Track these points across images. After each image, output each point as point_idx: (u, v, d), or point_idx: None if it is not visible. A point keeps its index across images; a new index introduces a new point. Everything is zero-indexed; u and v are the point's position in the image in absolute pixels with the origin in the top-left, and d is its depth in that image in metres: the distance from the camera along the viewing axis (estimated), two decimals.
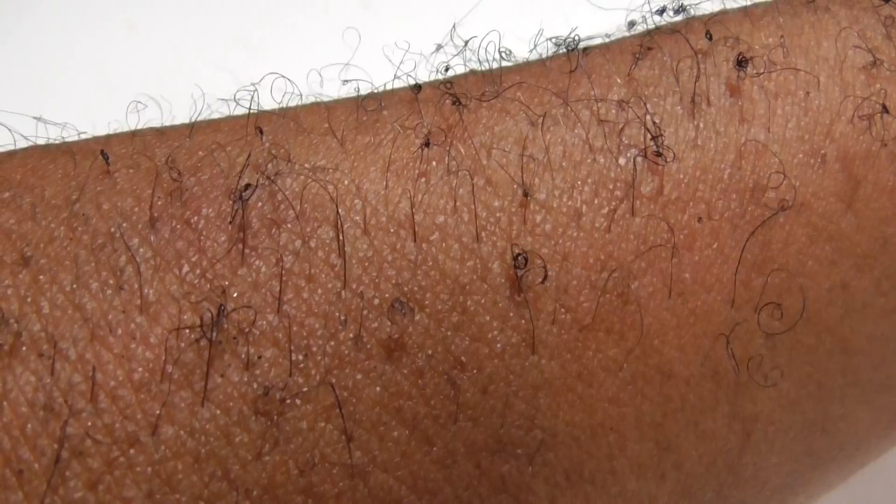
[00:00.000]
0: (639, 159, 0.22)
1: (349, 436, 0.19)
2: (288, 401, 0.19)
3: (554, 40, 0.26)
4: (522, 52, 0.26)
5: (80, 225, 0.20)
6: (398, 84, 0.25)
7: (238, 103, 0.24)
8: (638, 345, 0.21)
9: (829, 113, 0.23)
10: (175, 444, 0.18)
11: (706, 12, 0.27)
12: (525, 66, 0.24)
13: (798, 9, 0.25)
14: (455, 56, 0.25)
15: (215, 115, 0.24)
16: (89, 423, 0.18)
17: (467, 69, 0.25)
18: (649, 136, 0.22)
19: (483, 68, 0.24)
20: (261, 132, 0.21)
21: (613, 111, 0.22)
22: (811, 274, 0.23)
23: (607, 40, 0.27)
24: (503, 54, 0.24)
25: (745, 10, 0.26)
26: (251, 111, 0.23)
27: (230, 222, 0.20)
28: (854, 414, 0.25)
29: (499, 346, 0.20)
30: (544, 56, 0.25)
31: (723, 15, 0.25)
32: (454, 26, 0.26)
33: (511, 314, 0.21)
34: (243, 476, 0.18)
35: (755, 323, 0.22)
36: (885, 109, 0.23)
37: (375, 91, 0.24)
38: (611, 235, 0.21)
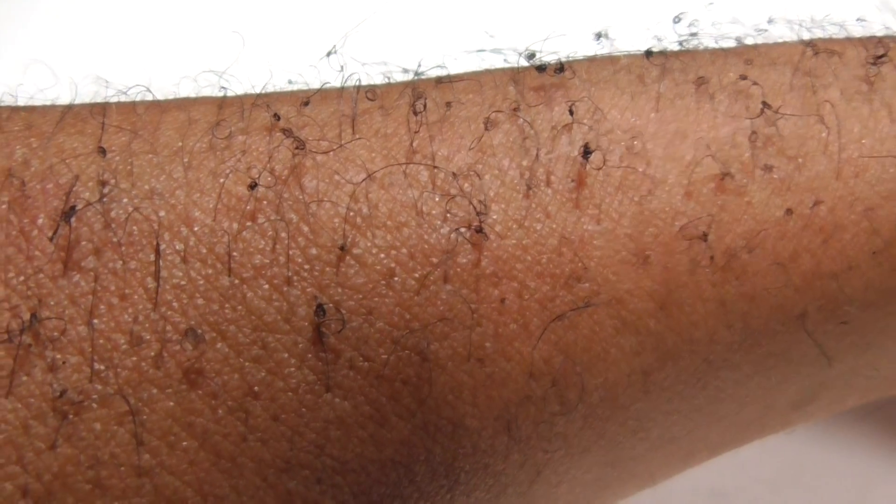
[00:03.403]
0: (462, 230, 0.23)
1: (139, 440, 0.22)
2: (84, 403, 0.21)
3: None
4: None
5: None
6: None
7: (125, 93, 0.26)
8: (430, 397, 0.23)
9: (664, 217, 0.23)
10: None
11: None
12: (394, 108, 0.24)
13: (685, 88, 0.25)
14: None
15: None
16: None
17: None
18: (475, 212, 0.23)
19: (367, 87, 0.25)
20: (103, 152, 0.23)
21: (450, 178, 0.23)
22: (613, 360, 0.24)
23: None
24: (367, 94, 0.24)
25: (639, 76, 0.25)
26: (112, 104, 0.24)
27: (51, 237, 0.22)
28: (644, 456, 0.27)
29: (294, 381, 0.22)
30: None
31: (608, 80, 0.25)
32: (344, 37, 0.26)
33: (310, 355, 0.22)
34: (36, 462, 0.21)
35: (551, 395, 0.24)
36: (704, 237, 0.23)
37: (247, 96, 0.25)
38: (419, 298, 0.23)
